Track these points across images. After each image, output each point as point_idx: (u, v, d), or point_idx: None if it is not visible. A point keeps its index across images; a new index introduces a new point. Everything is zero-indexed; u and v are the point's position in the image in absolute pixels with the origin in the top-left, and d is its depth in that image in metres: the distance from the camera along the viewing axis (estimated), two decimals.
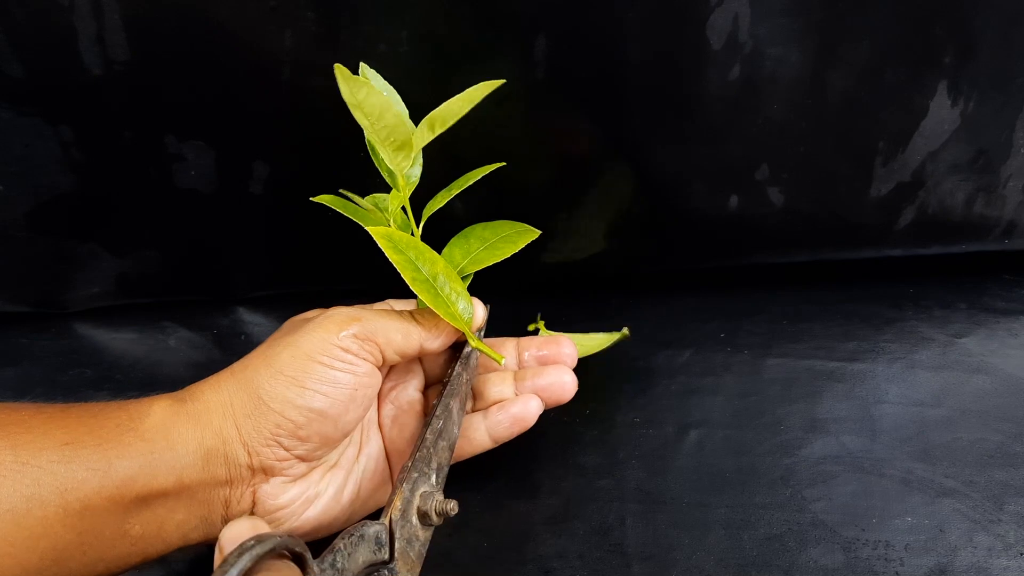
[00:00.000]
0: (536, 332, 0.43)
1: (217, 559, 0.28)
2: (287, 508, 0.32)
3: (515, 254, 0.37)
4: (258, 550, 0.23)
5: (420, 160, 0.37)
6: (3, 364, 0.46)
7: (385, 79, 0.38)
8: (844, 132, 0.44)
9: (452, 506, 0.31)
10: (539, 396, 0.37)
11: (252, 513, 0.31)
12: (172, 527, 0.30)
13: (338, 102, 0.40)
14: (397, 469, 0.37)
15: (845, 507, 0.37)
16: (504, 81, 0.35)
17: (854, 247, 0.50)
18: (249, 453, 0.30)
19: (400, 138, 0.35)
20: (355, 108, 0.34)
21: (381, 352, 0.33)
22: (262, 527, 0.28)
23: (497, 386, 0.38)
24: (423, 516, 0.31)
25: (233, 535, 0.28)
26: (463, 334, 0.36)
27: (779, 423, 0.42)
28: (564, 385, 0.38)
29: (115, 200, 0.44)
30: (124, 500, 0.28)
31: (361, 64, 0.37)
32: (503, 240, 0.39)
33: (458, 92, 0.34)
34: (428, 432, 0.33)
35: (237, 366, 0.32)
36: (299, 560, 0.25)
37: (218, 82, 0.40)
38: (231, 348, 0.47)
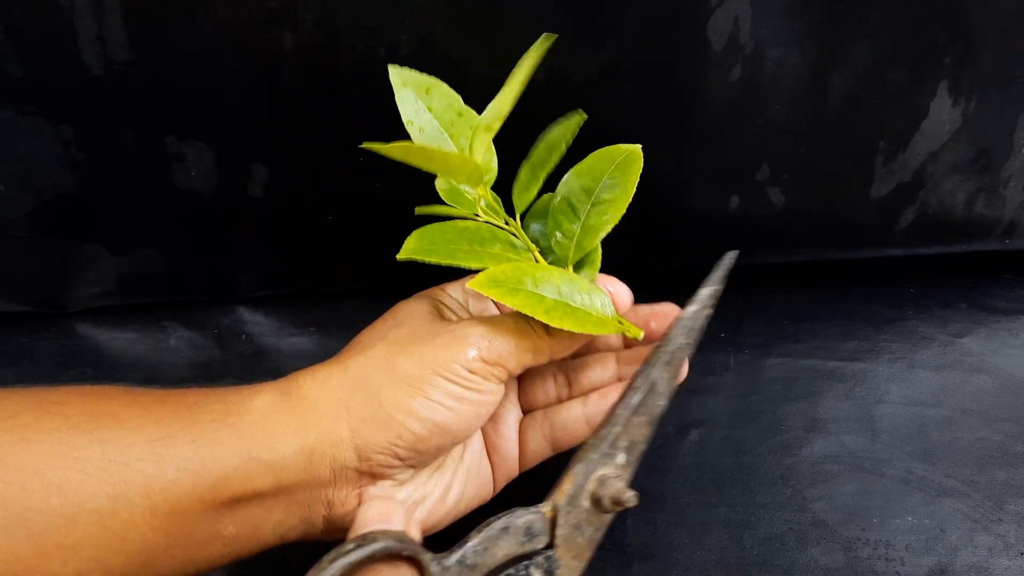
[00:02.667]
0: None
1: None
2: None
3: None
4: (353, 557, 0.21)
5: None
6: (3, 364, 0.46)
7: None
8: (845, 132, 0.44)
9: (629, 496, 0.28)
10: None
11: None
12: (268, 528, 0.28)
13: (338, 104, 0.40)
14: (498, 466, 0.35)
15: (845, 507, 0.37)
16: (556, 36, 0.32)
17: (854, 247, 0.50)
18: (360, 458, 0.29)
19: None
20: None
21: (509, 372, 0.31)
22: (396, 514, 0.25)
23: (597, 371, 0.36)
24: (596, 502, 0.28)
25: (365, 518, 0.26)
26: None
27: (779, 423, 0.42)
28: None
29: (115, 200, 0.44)
30: (216, 502, 0.26)
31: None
32: (612, 178, 0.34)
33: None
34: (620, 407, 0.29)
35: (350, 363, 0.30)
36: (413, 563, 0.23)
37: (218, 82, 0.40)
38: (232, 348, 0.47)
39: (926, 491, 0.38)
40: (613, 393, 0.34)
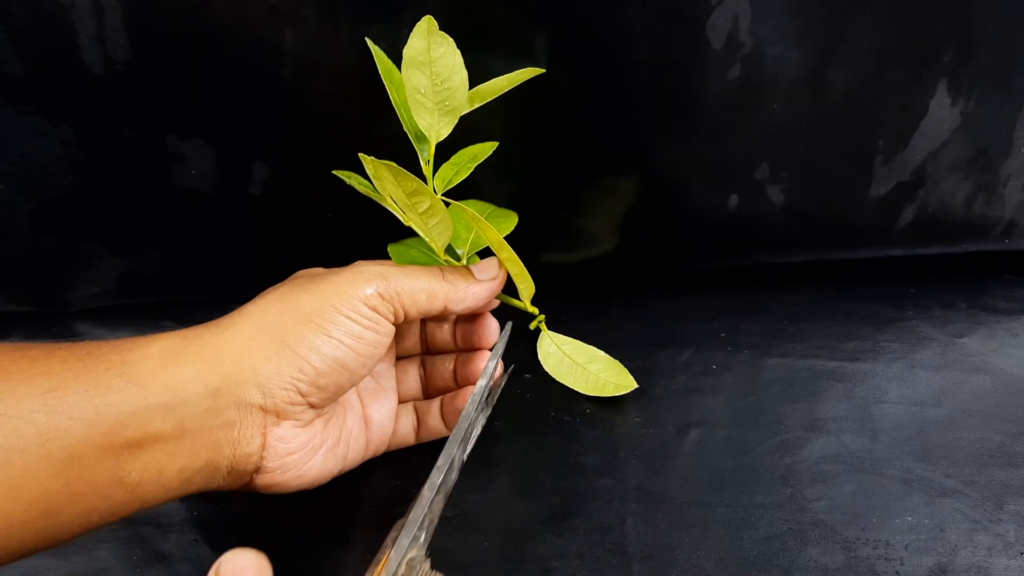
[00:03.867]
0: (537, 331, 0.43)
1: None
2: (296, 454, 0.32)
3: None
4: None
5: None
6: None
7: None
8: (844, 131, 0.44)
9: None
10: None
11: (262, 458, 0.31)
12: (173, 473, 0.29)
13: (338, 103, 0.40)
14: (371, 440, 0.37)
15: (845, 507, 0.37)
16: (543, 71, 0.36)
17: (854, 247, 0.50)
18: (263, 394, 0.30)
19: (454, 104, 0.35)
20: (422, 65, 0.33)
21: (404, 312, 0.33)
22: (266, 567, 0.25)
23: (442, 369, 0.39)
24: None
25: (234, 568, 0.26)
26: (488, 298, 0.36)
27: (779, 423, 0.42)
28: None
29: (115, 200, 0.44)
30: (114, 446, 0.27)
31: (431, 19, 0.35)
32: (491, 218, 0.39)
33: None
34: (426, 488, 0.30)
35: (251, 309, 0.32)
36: None
37: (218, 82, 0.40)
38: None
39: (926, 491, 0.38)
40: (463, 398, 0.37)
